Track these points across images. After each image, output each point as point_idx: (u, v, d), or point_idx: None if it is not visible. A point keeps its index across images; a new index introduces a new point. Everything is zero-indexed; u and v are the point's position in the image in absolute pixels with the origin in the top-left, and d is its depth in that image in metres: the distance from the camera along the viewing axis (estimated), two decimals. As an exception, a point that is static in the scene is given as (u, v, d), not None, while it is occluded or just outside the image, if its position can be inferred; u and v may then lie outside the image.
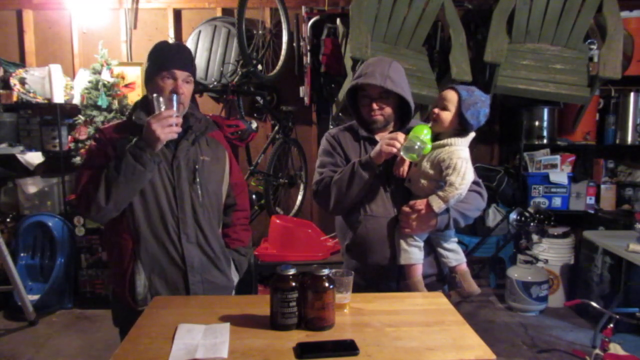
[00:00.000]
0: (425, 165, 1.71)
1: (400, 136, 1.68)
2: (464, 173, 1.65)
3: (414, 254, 1.73)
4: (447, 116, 1.69)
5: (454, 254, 1.81)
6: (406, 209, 1.73)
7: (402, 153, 1.66)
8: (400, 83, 1.77)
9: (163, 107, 1.57)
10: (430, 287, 1.77)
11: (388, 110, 1.81)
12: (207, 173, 1.78)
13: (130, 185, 1.60)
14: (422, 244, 1.76)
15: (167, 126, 1.55)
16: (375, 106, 1.79)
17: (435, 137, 1.74)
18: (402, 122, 1.88)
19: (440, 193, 1.67)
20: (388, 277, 1.79)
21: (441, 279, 1.87)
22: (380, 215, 1.78)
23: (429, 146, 1.68)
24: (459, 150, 1.68)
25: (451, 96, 1.69)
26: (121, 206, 1.65)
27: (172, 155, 1.71)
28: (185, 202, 1.72)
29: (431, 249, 1.82)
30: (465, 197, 1.72)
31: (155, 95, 1.59)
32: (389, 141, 1.67)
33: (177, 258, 1.72)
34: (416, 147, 1.65)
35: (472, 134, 1.72)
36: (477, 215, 1.84)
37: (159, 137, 1.55)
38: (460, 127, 1.70)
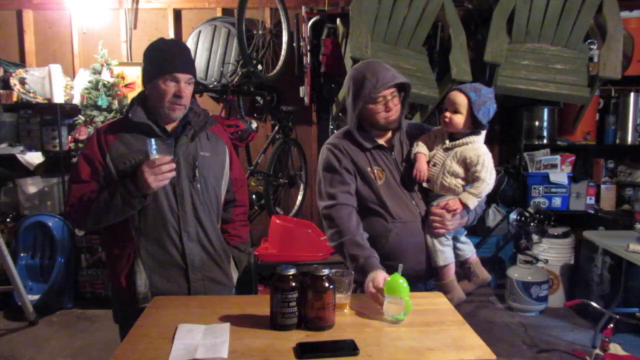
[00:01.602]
0: (450, 163, 1.75)
1: (379, 291, 1.49)
2: (491, 168, 1.73)
3: (449, 253, 1.77)
4: (459, 119, 1.73)
5: (468, 246, 1.87)
6: (438, 210, 1.73)
7: (386, 315, 1.45)
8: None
9: (155, 153, 1.56)
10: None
11: (398, 104, 1.78)
12: (207, 169, 1.77)
13: (117, 218, 1.65)
14: (452, 243, 1.79)
15: (159, 174, 1.56)
16: (392, 105, 1.74)
17: (450, 135, 1.79)
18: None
19: (471, 190, 1.73)
20: (418, 280, 1.78)
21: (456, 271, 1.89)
22: (408, 220, 1.76)
23: (409, 302, 1.45)
24: (481, 146, 1.75)
25: (461, 100, 1.72)
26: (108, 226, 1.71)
27: (172, 152, 1.70)
28: (185, 200, 1.71)
29: None
30: None
31: (148, 139, 1.59)
32: (372, 299, 1.52)
33: (178, 256, 1.72)
34: (400, 310, 1.43)
35: (485, 131, 1.78)
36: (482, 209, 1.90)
37: (151, 186, 1.57)
38: (473, 126, 1.75)
